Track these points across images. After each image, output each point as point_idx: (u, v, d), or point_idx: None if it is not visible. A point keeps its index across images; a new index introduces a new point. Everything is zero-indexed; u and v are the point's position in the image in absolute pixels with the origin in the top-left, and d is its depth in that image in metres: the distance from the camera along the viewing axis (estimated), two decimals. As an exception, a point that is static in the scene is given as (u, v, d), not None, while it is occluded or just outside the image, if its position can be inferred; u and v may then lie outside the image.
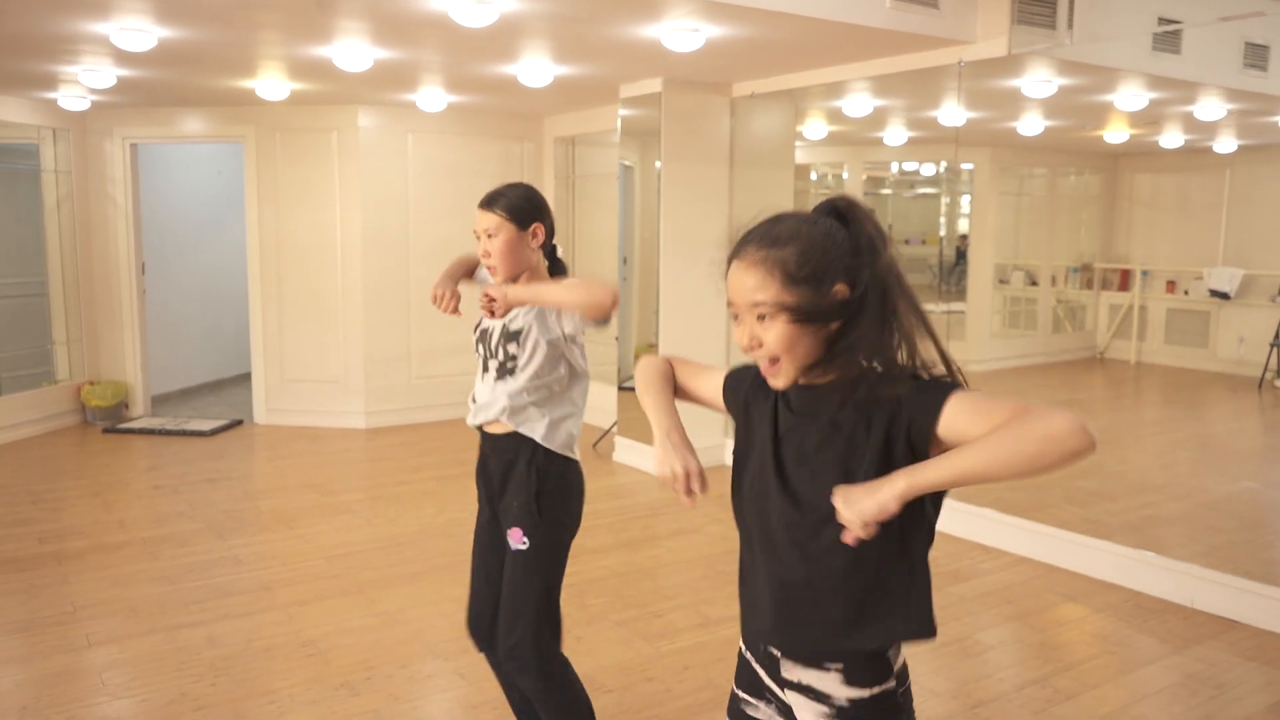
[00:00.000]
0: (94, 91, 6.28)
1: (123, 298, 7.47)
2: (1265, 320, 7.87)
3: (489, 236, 2.39)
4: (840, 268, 1.39)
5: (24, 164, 7.17)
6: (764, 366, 1.45)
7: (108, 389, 7.28)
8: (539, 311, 2.37)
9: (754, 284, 1.39)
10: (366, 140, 7.13)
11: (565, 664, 2.46)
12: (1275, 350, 7.78)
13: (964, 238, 10.12)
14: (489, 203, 2.41)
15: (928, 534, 1.43)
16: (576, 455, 2.46)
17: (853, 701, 1.44)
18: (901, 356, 1.39)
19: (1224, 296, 8.47)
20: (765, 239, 1.41)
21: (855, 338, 1.38)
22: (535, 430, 2.37)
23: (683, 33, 4.32)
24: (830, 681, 1.45)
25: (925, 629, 1.43)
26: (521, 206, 2.40)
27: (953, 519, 4.93)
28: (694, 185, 5.96)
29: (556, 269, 2.52)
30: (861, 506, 1.31)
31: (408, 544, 4.69)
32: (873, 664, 1.45)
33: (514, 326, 2.40)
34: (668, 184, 5.88)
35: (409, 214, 7.35)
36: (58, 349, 7.34)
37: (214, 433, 6.99)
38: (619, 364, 7.06)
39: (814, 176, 10.48)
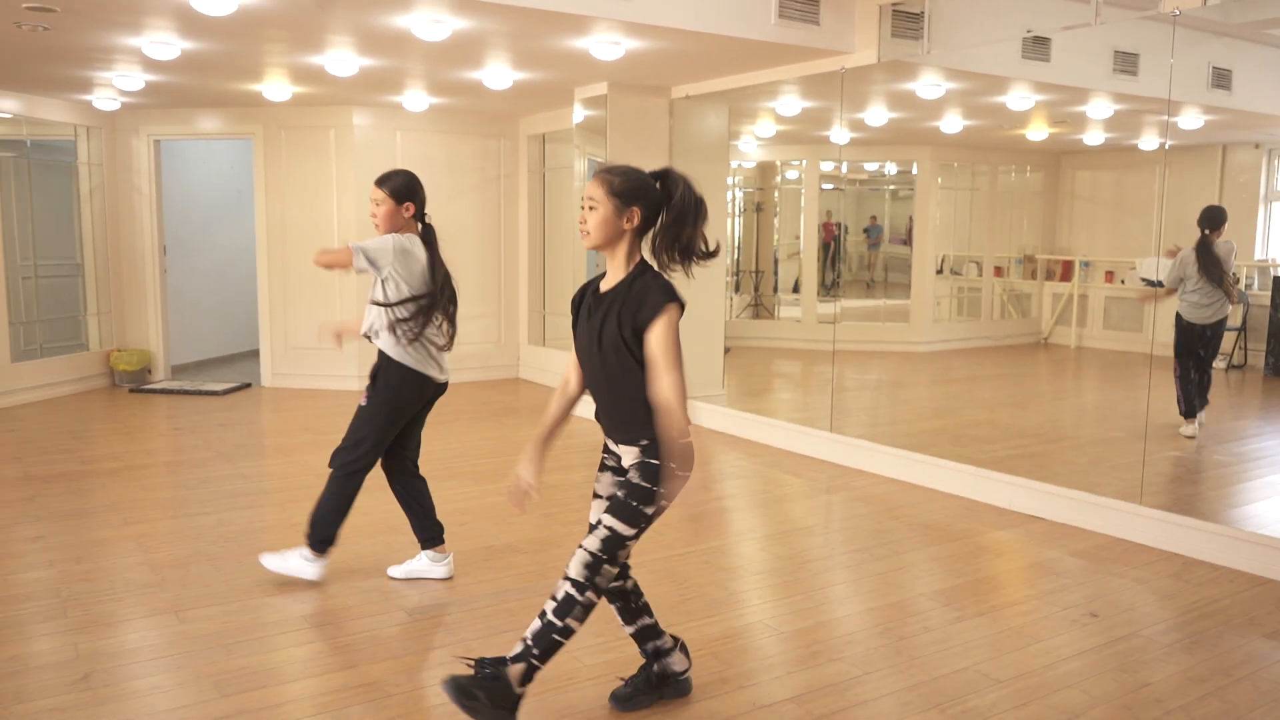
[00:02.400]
0: (124, 94, 7.30)
1: (147, 276, 8.49)
2: (1194, 306, 8.72)
3: (376, 205, 3.52)
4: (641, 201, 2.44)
5: (62, 158, 8.20)
6: (581, 232, 2.50)
7: (133, 355, 8.28)
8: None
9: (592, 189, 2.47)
10: (360, 137, 8.13)
11: (354, 479, 3.66)
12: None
13: (908, 231, 11.03)
14: (378, 181, 3.52)
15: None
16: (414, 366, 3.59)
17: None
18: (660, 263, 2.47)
19: (1156, 285, 9.34)
20: (608, 171, 2.48)
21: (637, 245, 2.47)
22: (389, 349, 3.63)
23: (606, 45, 5.28)
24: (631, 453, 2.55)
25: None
26: (397, 188, 3.50)
27: (843, 450, 5.84)
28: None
29: (428, 233, 3.61)
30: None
31: (384, 467, 5.65)
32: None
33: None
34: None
35: (398, 202, 8.32)
36: (89, 320, 8.36)
37: (226, 393, 7.99)
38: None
39: (791, 175, 11.44)
